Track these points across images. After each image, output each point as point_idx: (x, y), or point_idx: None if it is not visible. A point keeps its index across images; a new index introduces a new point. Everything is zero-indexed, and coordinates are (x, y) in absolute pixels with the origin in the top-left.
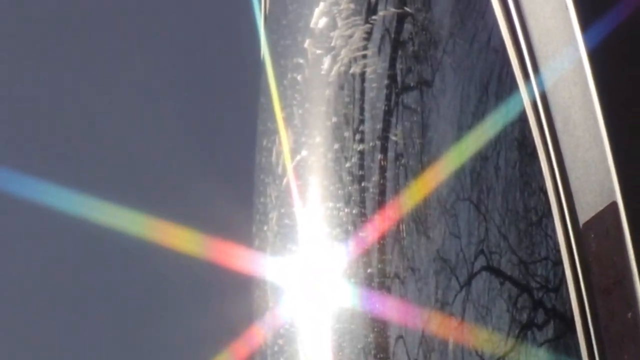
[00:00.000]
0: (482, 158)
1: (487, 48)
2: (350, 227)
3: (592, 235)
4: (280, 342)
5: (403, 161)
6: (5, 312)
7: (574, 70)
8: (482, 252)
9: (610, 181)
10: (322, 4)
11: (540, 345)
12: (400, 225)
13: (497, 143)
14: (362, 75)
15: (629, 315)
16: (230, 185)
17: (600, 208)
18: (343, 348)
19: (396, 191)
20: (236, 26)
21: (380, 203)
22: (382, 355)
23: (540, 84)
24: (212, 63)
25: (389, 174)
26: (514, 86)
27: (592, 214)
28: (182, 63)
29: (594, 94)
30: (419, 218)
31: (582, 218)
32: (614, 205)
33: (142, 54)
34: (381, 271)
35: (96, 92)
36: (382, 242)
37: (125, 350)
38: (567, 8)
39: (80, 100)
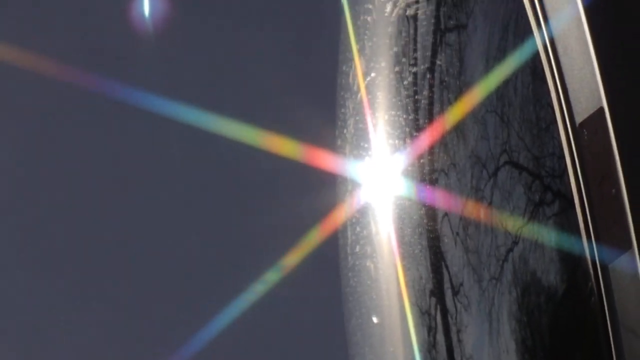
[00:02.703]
0: (504, 81)
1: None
2: (407, 130)
3: (586, 133)
4: (357, 215)
5: (446, 80)
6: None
7: (572, 16)
8: (505, 150)
9: (599, 91)
10: None
11: (549, 217)
12: (444, 130)
13: (515, 70)
14: (415, 17)
15: (613, 193)
16: (319, 102)
17: (592, 112)
18: (402, 223)
19: (441, 103)
20: None
21: (430, 112)
22: (431, 229)
23: (548, 25)
24: (306, 8)
25: (435, 90)
26: (527, 27)
27: (586, 116)
28: (280, 8)
29: (586, 29)
30: (458, 125)
31: (578, 120)
32: (601, 109)
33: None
34: (431, 166)
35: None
36: (432, 144)
37: (230, 232)
38: None
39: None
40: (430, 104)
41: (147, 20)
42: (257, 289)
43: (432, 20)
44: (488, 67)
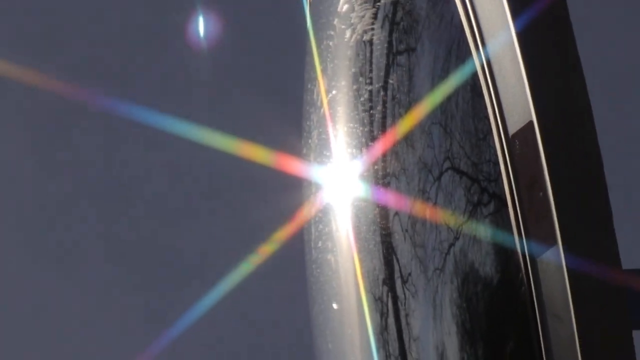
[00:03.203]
0: (447, 97)
1: (451, 25)
2: (363, 140)
3: (517, 143)
4: (320, 214)
5: (397, 97)
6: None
7: (508, 37)
8: (448, 157)
9: (529, 107)
10: None
11: (486, 216)
12: (396, 140)
13: (457, 87)
14: (371, 42)
15: (541, 196)
16: (288, 116)
17: (522, 125)
18: (359, 220)
19: (393, 117)
20: (292, 10)
21: (383, 124)
22: (384, 226)
23: (485, 47)
24: (275, 33)
25: (388, 105)
26: (468, 50)
27: (518, 128)
28: (255, 30)
29: (518, 53)
30: (407, 135)
31: (511, 131)
32: (530, 123)
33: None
34: (384, 171)
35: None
36: (384, 151)
37: (210, 227)
38: (503, 4)
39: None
40: (384, 117)
41: (202, 39)
42: (234, 277)
43: (386, 45)
44: (433, 85)
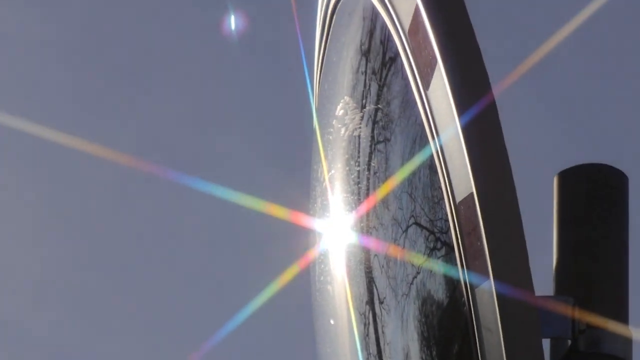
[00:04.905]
0: (413, 173)
1: (415, 123)
2: (354, 205)
3: (462, 208)
4: (322, 256)
5: (378, 174)
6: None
7: (455, 132)
8: (412, 216)
9: (470, 183)
10: (341, 103)
11: (439, 257)
12: (376, 204)
13: (419, 166)
14: (359, 136)
15: (478, 244)
16: (301, 187)
17: (466, 195)
18: (350, 260)
19: (374, 188)
20: (304, 112)
21: (367, 194)
22: (367, 263)
23: (439, 139)
24: (292, 130)
25: (371, 180)
26: (427, 140)
27: (463, 197)
28: (277, 128)
29: (462, 140)
30: (384, 200)
31: (458, 199)
32: (472, 194)
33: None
34: (367, 225)
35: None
36: (368, 212)
37: (238, 266)
38: (452, 106)
39: None
40: (367, 189)
41: (233, 33)
42: (255, 303)
43: (369, 137)
44: (403, 165)
